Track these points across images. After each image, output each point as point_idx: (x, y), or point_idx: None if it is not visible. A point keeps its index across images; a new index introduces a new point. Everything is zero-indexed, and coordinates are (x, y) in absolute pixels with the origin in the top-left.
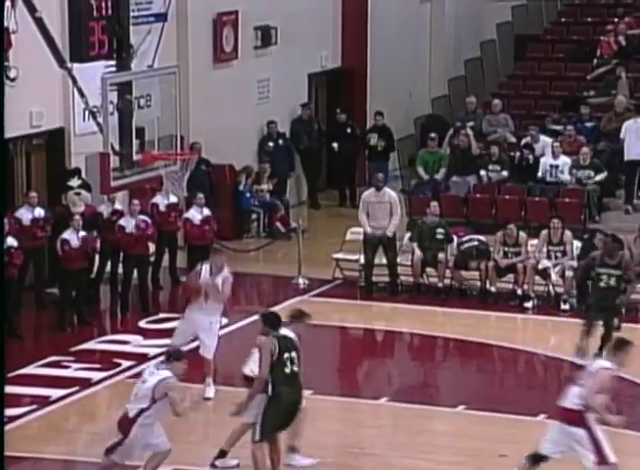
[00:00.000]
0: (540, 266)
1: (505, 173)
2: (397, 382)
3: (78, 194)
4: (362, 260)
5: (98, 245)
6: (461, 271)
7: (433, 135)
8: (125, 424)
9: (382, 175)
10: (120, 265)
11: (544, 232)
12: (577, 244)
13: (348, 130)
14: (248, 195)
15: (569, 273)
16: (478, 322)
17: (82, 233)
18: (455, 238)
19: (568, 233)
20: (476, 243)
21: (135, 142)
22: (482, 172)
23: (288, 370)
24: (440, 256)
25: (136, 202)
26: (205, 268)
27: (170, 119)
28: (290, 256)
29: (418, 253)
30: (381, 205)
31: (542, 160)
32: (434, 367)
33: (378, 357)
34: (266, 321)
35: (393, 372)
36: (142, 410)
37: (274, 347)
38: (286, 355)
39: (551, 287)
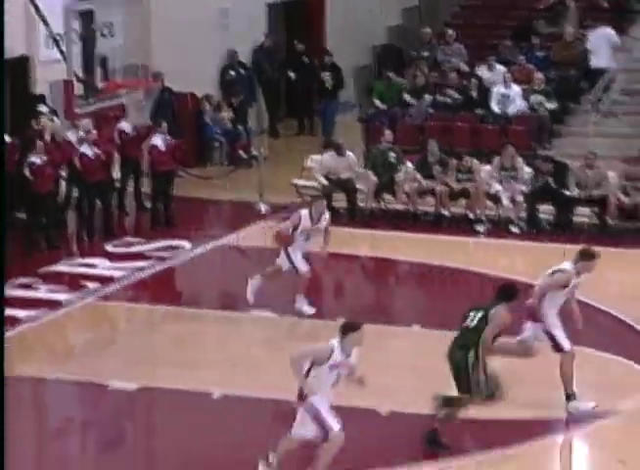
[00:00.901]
0: (492, 191)
1: (460, 97)
2: (355, 303)
3: (52, 120)
4: (321, 185)
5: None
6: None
7: (390, 74)
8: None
9: (342, 142)
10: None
11: (496, 158)
12: (528, 169)
13: (306, 60)
14: (210, 123)
15: (519, 198)
16: (432, 245)
17: (45, 157)
18: (409, 163)
19: (519, 159)
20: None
21: (98, 70)
22: (440, 98)
23: (465, 324)
24: (398, 177)
25: (94, 131)
26: (305, 215)
27: (133, 48)
28: (251, 182)
29: (373, 178)
30: (342, 165)
31: (494, 89)
32: (389, 288)
33: (336, 280)
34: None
35: (351, 293)
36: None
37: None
38: (469, 313)
39: (502, 211)
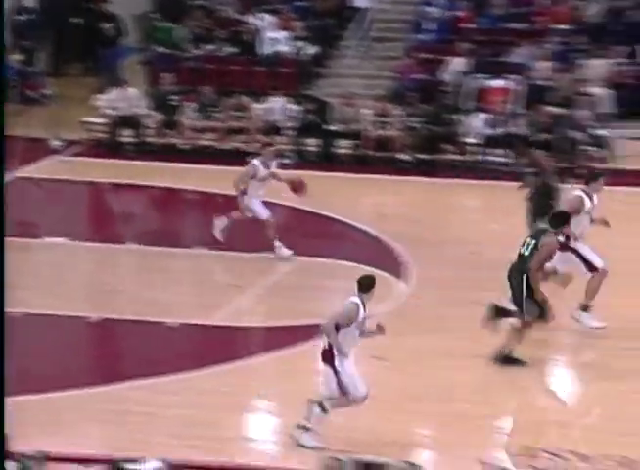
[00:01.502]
0: (265, 126)
1: (233, 50)
2: (142, 228)
3: None
4: (109, 121)
5: None
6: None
7: (166, 21)
8: (326, 357)
9: (126, 80)
10: None
11: (268, 97)
12: (294, 107)
13: (88, 7)
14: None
15: (289, 132)
16: (214, 176)
17: None
18: (190, 103)
19: (286, 98)
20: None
21: None
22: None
23: (520, 251)
24: (180, 116)
25: None
26: (258, 164)
27: None
28: (43, 120)
29: (157, 116)
30: (127, 102)
31: (265, 35)
32: (173, 215)
33: (125, 208)
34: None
35: (137, 219)
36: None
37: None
38: (526, 240)
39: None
